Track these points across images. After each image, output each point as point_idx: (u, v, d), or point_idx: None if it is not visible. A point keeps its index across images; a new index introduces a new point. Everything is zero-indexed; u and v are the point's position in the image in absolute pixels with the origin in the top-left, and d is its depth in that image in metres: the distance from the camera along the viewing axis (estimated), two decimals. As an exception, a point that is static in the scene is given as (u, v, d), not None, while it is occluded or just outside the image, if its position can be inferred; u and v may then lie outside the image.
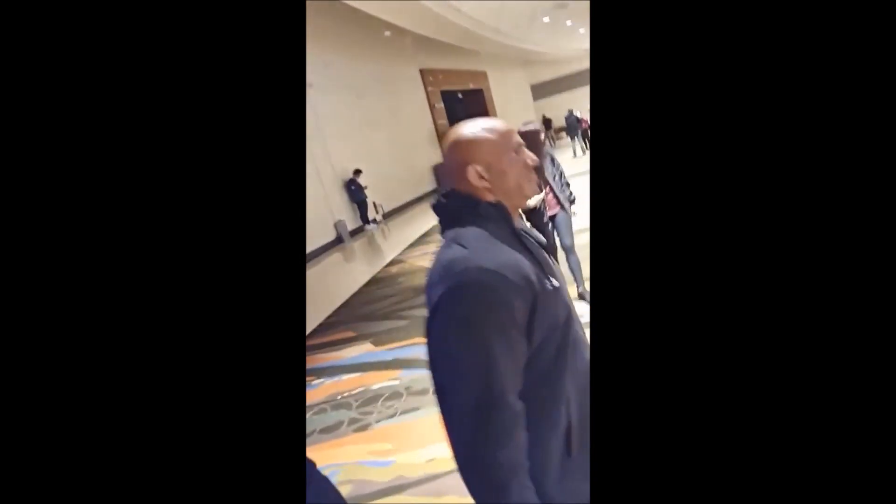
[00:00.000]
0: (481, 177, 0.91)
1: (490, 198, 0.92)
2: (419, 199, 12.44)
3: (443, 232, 0.95)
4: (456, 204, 0.93)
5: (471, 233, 0.89)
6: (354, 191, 8.77)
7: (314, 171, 7.84)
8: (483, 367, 0.79)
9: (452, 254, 0.86)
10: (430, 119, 15.04)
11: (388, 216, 10.07)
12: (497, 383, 0.80)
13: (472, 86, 18.69)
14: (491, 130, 0.94)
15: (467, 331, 0.80)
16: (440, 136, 15.31)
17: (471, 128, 0.94)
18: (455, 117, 16.62)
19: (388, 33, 11.24)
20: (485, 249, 0.85)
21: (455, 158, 0.93)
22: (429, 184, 14.03)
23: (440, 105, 15.68)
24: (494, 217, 0.91)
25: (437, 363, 0.84)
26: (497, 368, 0.80)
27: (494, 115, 20.15)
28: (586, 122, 14.50)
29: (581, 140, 14.50)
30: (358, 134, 10.16)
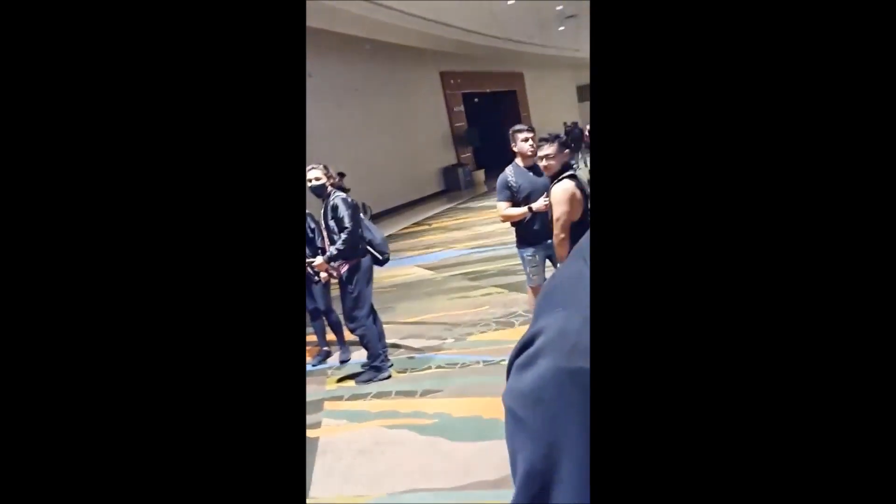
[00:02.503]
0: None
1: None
2: (417, 202, 12.95)
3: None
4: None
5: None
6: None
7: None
8: (542, 467, 0.55)
9: (574, 272, 0.63)
10: (447, 122, 15.41)
11: (376, 217, 10.64)
12: (569, 470, 0.55)
13: (502, 88, 18.80)
14: None
15: (536, 409, 0.56)
16: (457, 138, 15.67)
17: None
18: (475, 119, 16.89)
19: (368, 47, 11.52)
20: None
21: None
22: (431, 186, 14.49)
23: (459, 108, 15.99)
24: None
25: (523, 417, 0.58)
26: (567, 479, 0.55)
27: (528, 116, 20.23)
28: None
29: (584, 153, 14.28)
30: (354, 136, 10.73)
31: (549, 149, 2.50)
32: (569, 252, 2.55)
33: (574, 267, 0.59)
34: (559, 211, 2.39)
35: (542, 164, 2.56)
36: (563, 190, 2.39)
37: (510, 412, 0.55)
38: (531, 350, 0.54)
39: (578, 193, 2.38)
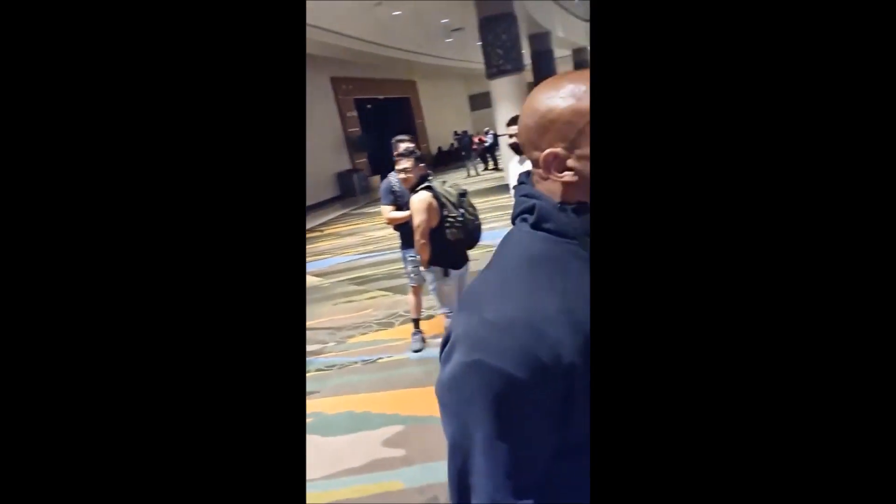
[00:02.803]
0: (564, 166, 0.64)
1: (571, 196, 0.65)
2: (311, 208, 12.79)
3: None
4: (521, 197, 0.68)
5: (518, 251, 0.65)
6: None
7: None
8: (460, 444, 0.63)
9: (486, 280, 0.66)
10: (340, 127, 15.37)
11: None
12: (478, 472, 0.61)
13: (396, 95, 19.08)
14: (579, 96, 0.63)
15: (451, 395, 0.63)
16: (350, 143, 15.67)
17: (572, 77, 0.64)
18: (370, 125, 17.00)
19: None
20: (521, 289, 0.62)
21: (534, 125, 0.65)
22: (326, 192, 14.39)
23: (353, 113, 16.02)
24: (565, 229, 0.64)
25: (449, 410, 0.64)
26: (481, 454, 0.61)
27: (422, 122, 20.67)
28: (480, 139, 14.96)
29: (480, 159, 14.98)
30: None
31: (405, 163, 2.76)
32: (430, 256, 2.81)
33: (486, 275, 0.67)
34: (418, 219, 2.65)
35: (401, 177, 2.82)
36: (419, 200, 2.65)
37: (439, 399, 0.65)
38: (447, 347, 0.64)
39: (434, 202, 2.65)
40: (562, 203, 0.65)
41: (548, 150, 0.63)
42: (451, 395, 0.63)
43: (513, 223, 0.69)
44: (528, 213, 0.66)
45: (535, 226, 0.65)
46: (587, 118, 0.62)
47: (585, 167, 0.63)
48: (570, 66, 20.45)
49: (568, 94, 0.63)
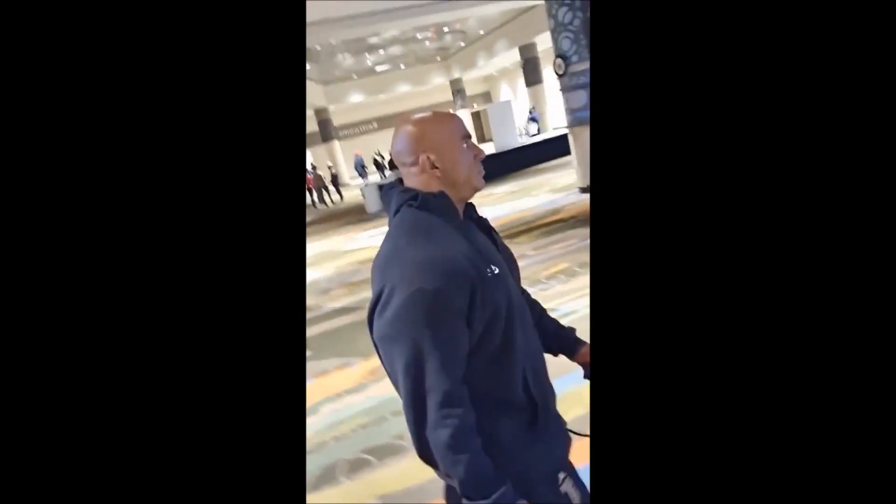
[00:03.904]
0: (433, 166, 0.92)
1: (436, 187, 0.93)
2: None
3: (389, 220, 0.96)
4: (401, 193, 0.94)
5: (412, 224, 0.91)
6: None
7: None
8: (425, 354, 0.84)
9: (392, 248, 0.90)
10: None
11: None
12: (439, 369, 0.84)
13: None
14: (442, 119, 0.95)
15: (400, 326, 0.84)
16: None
17: (422, 116, 0.96)
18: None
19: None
20: (423, 243, 0.87)
21: (406, 147, 0.94)
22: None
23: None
24: (438, 207, 0.92)
25: (385, 351, 0.89)
26: (439, 355, 0.83)
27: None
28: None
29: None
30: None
31: None
32: None
33: (393, 242, 0.92)
34: None
35: None
36: None
37: (382, 341, 0.88)
38: (382, 298, 0.87)
39: None
40: (432, 192, 0.94)
41: (423, 157, 0.93)
42: (401, 324, 0.85)
43: (397, 211, 0.95)
44: (413, 200, 0.94)
45: (420, 208, 0.93)
46: (436, 135, 0.94)
47: (444, 166, 0.94)
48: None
49: (418, 123, 0.95)
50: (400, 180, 0.98)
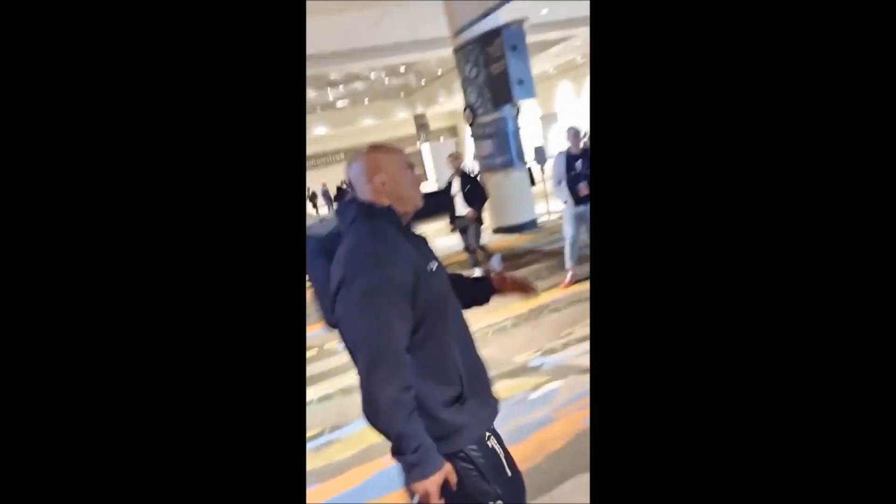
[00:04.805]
0: (384, 184, 1.18)
1: (385, 202, 1.19)
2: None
3: (344, 229, 1.19)
4: (358, 206, 1.19)
5: (368, 229, 1.15)
6: None
7: None
8: (376, 328, 1.05)
9: (351, 244, 1.13)
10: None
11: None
12: (387, 339, 1.05)
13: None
14: (392, 151, 1.24)
15: (365, 301, 1.06)
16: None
17: (376, 146, 1.24)
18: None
19: None
20: (377, 243, 1.12)
21: (362, 170, 1.20)
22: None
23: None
24: (387, 217, 1.17)
25: (343, 328, 1.11)
26: (387, 329, 1.05)
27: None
28: None
29: None
30: None
31: None
32: None
33: (350, 243, 1.13)
34: None
35: None
36: None
37: (345, 318, 1.10)
38: (345, 284, 1.08)
39: None
40: (383, 206, 1.19)
41: (377, 177, 1.18)
42: (362, 304, 1.07)
43: (354, 220, 1.18)
44: (369, 209, 1.18)
45: (374, 217, 1.17)
46: (387, 162, 1.20)
47: (392, 186, 1.19)
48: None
49: (372, 151, 1.22)
50: (354, 198, 1.23)
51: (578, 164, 4.12)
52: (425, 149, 14.60)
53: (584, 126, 6.47)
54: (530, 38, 6.77)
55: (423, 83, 21.58)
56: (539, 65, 17.96)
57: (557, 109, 20.11)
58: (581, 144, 4.10)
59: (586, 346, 3.31)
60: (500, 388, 1.33)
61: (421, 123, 24.57)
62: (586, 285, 4.31)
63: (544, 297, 4.35)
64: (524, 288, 1.48)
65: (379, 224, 1.16)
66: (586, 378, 2.85)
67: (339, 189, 19.45)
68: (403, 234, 1.18)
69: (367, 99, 23.03)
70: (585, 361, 3.04)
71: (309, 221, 1.41)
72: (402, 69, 17.97)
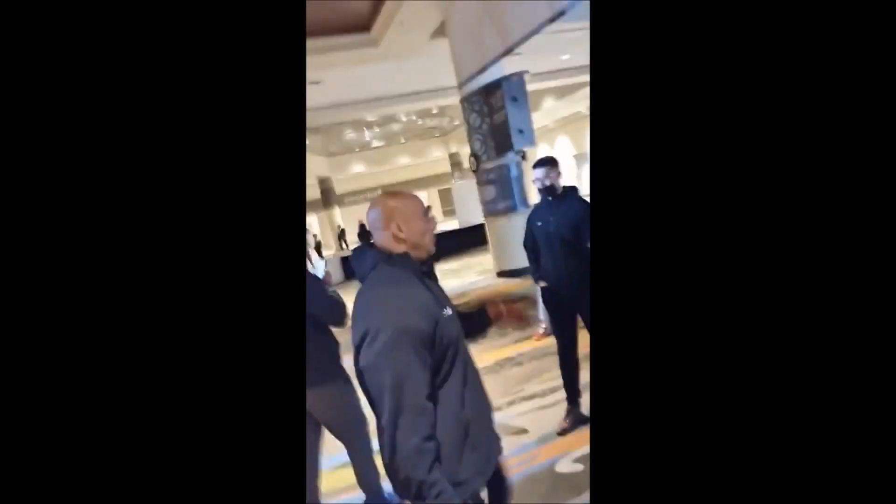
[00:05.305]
0: (399, 230, 1.21)
1: (402, 249, 1.22)
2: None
3: (363, 275, 1.23)
4: (376, 254, 1.23)
5: (387, 277, 1.19)
6: None
7: None
8: (401, 378, 1.07)
9: (372, 296, 1.17)
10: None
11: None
12: (412, 389, 1.07)
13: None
14: (408, 198, 1.26)
15: (390, 352, 1.07)
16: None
17: (392, 194, 1.27)
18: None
19: None
20: (398, 292, 1.15)
21: (379, 218, 1.23)
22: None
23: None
24: (404, 265, 1.21)
25: (368, 379, 1.13)
26: (411, 378, 1.07)
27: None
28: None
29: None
30: None
31: None
32: None
33: (372, 292, 1.17)
34: None
35: None
36: None
37: (370, 369, 1.10)
38: (370, 335, 1.09)
39: None
40: (399, 253, 1.23)
41: (394, 225, 1.22)
42: (387, 354, 1.08)
43: (373, 267, 1.23)
44: (387, 258, 1.23)
45: (392, 265, 1.22)
46: (403, 210, 1.23)
47: (407, 233, 1.22)
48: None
49: (389, 199, 1.25)
50: (370, 244, 1.27)
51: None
52: (458, 187, 15.27)
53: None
54: (557, 83, 6.82)
55: (455, 123, 22.12)
56: (571, 106, 18.12)
57: (588, 150, 20.15)
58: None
59: (530, 405, 3.30)
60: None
61: (455, 162, 25.05)
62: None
63: (510, 350, 4.36)
64: (521, 318, 1.52)
65: (397, 271, 1.20)
66: (520, 439, 2.85)
67: (361, 226, 20.02)
68: (421, 281, 1.22)
69: (402, 138, 23.76)
70: (524, 423, 3.04)
71: (340, 254, 1.46)
72: (435, 110, 18.51)
